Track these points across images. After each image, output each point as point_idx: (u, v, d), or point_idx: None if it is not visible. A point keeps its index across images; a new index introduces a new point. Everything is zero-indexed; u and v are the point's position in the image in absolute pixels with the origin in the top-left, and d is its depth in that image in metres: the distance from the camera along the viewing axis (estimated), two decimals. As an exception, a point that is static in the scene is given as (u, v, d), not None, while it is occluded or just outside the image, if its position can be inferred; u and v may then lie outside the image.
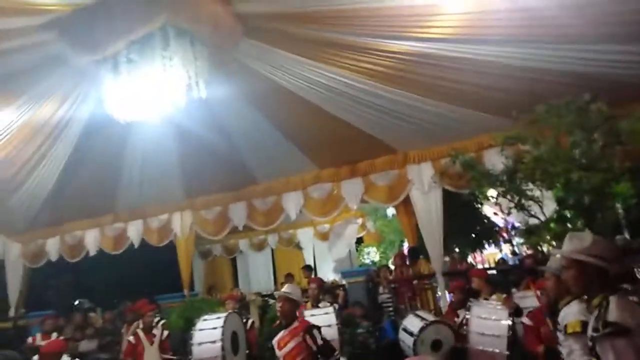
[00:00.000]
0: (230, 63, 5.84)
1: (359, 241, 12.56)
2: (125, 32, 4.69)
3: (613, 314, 2.09)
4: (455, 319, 5.26)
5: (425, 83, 5.78)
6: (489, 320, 4.65)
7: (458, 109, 6.20)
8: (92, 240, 9.04)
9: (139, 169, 7.80)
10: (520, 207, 5.43)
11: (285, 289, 4.37)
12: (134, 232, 8.82)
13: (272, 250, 13.19)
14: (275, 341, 4.15)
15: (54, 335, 7.32)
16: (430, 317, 5.22)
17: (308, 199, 8.08)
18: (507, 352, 4.50)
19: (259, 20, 5.27)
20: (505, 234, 9.50)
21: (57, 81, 5.68)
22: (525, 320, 4.39)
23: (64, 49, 5.12)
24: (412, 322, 5.12)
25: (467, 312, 4.94)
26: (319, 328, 4.13)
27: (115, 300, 12.71)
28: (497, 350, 4.54)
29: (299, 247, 12.83)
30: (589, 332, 2.24)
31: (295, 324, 4.14)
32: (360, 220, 12.04)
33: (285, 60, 5.77)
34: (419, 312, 5.57)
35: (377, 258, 11.74)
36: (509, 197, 5.44)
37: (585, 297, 2.46)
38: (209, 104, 5.98)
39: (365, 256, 11.91)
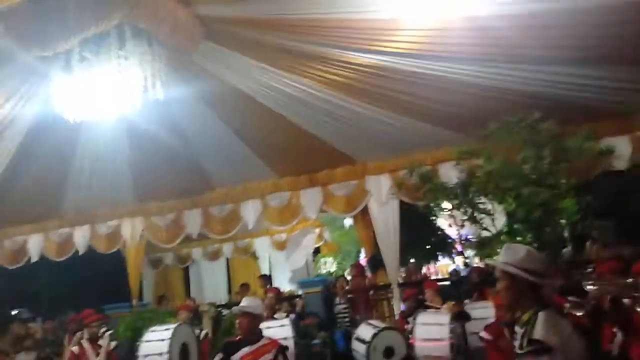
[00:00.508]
0: (189, 65, 5.71)
1: (316, 251, 12.53)
2: (78, 29, 4.46)
3: (538, 332, 2.06)
4: (406, 327, 5.38)
5: (386, 96, 5.88)
6: (431, 325, 4.74)
7: (416, 123, 6.34)
8: (35, 245, 8.53)
9: (88, 171, 7.43)
10: (473, 220, 5.58)
11: (244, 302, 4.07)
12: (81, 237, 8.39)
13: (227, 259, 12.92)
14: (236, 358, 3.82)
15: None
16: (382, 325, 5.27)
17: (267, 207, 7.98)
18: (450, 355, 4.56)
19: (220, 23, 5.19)
20: (458, 246, 9.74)
21: (3, 76, 5.34)
22: (483, 334, 4.47)
23: (10, 44, 4.83)
24: (364, 331, 5.14)
25: (413, 320, 5.06)
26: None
27: (58, 309, 12.07)
28: (440, 355, 4.61)
29: (254, 256, 12.64)
30: (515, 348, 2.19)
31: (264, 341, 3.90)
32: (317, 230, 12.02)
33: (247, 66, 5.70)
34: (371, 321, 5.61)
35: (333, 268, 11.75)
36: (462, 209, 5.58)
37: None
38: (166, 107, 5.79)
39: (322, 266, 11.90)
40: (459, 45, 4.99)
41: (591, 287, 3.10)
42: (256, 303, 4.13)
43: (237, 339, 4.06)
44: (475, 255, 6.38)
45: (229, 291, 11.89)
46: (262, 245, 12.20)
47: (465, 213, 5.48)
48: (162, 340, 4.97)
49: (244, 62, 5.62)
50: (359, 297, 7.50)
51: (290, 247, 11.17)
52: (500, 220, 5.63)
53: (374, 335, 4.81)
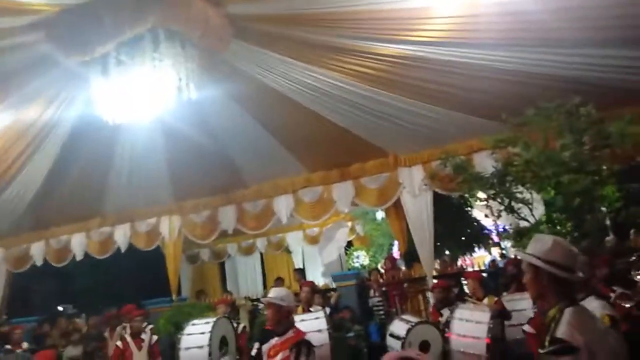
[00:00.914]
0: (220, 65, 5.80)
1: (348, 245, 12.56)
2: (114, 33, 4.61)
3: (562, 330, 1.94)
4: (440, 319, 5.33)
5: (417, 86, 5.81)
6: (470, 322, 4.66)
7: (449, 112, 6.24)
8: (78, 244, 8.86)
9: (127, 171, 7.69)
10: (510, 210, 5.47)
11: (271, 293, 4.00)
12: (121, 236, 8.68)
13: (261, 254, 13.11)
14: (265, 348, 3.82)
15: (25, 345, 7.13)
16: (415, 319, 5.23)
17: (299, 202, 8.04)
18: (486, 355, 4.48)
19: (249, 22, 5.24)
20: (495, 237, 9.56)
21: (44, 82, 5.57)
22: (526, 327, 4.39)
23: (51, 50, 5.03)
24: (398, 326, 5.12)
25: (450, 314, 4.96)
26: (310, 345, 3.76)
27: (101, 305, 12.55)
28: (476, 353, 4.53)
29: (288, 250, 12.78)
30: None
31: (290, 334, 3.78)
32: (349, 224, 12.04)
33: (276, 62, 5.74)
34: (404, 316, 5.58)
35: (366, 262, 11.75)
36: (499, 200, 5.47)
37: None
38: (199, 106, 5.91)
39: (355, 260, 11.92)
40: (491, 31, 4.89)
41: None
42: (282, 294, 3.97)
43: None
44: (513, 246, 6.24)
45: (264, 285, 12.07)
46: (294, 240, 12.33)
47: (502, 203, 5.37)
48: (203, 333, 5.10)
49: (273, 58, 5.66)
50: (393, 290, 7.48)
51: (323, 241, 11.24)
52: (539, 210, 5.51)
53: (409, 331, 4.78)
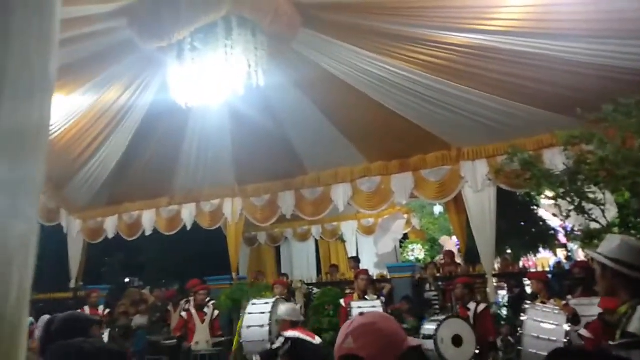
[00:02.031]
0: (287, 52, 5.92)
1: (404, 238, 12.45)
2: (190, 21, 4.83)
3: (634, 325, 1.97)
4: (468, 314, 5.37)
5: (485, 77, 5.64)
6: (545, 323, 4.50)
7: (518, 105, 6.01)
8: (148, 220, 9.41)
9: (195, 154, 8.07)
10: (580, 210, 5.20)
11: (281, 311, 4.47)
12: (187, 214, 9.11)
13: (316, 241, 13.30)
14: None
15: (101, 308, 7.78)
16: (442, 317, 5.18)
17: (357, 191, 8.07)
18: None
19: (318, 10, 5.30)
20: (562, 238, 9.12)
21: (124, 67, 5.95)
22: (584, 332, 4.21)
23: (132, 36, 5.35)
24: (427, 327, 5.10)
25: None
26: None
27: (164, 279, 13.32)
28: None
29: (341, 239, 12.86)
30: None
31: None
32: (405, 216, 11.91)
33: (342, 51, 5.78)
34: (432, 318, 5.55)
35: (421, 255, 11.61)
36: (569, 199, 5.21)
37: None
38: (264, 92, 6.06)
39: (410, 253, 11.81)
40: (569, 22, 4.65)
41: None
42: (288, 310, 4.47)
43: None
44: (582, 248, 5.95)
45: (319, 271, 12.24)
46: (349, 229, 12.37)
47: (572, 203, 5.11)
48: (263, 313, 5.30)
49: (339, 47, 5.70)
50: (450, 285, 7.34)
51: (379, 232, 11.21)
52: (612, 212, 5.20)
53: (437, 327, 4.72)
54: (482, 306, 5.51)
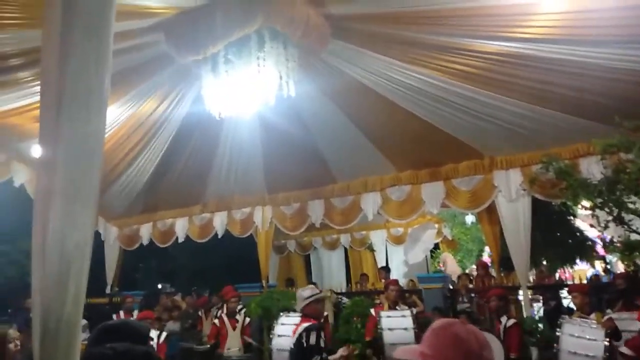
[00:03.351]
0: (318, 63, 5.99)
1: (435, 248, 12.29)
2: (224, 34, 4.96)
3: None
4: (499, 327, 5.33)
5: (518, 85, 5.56)
6: (582, 339, 4.36)
7: (553, 113, 5.89)
8: (181, 228, 9.64)
9: (227, 163, 8.24)
10: (619, 221, 5.03)
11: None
12: (219, 222, 9.29)
13: (345, 250, 13.28)
14: None
15: (135, 313, 7.98)
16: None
17: (386, 200, 8.04)
18: None
19: (348, 21, 5.35)
20: (600, 250, 8.81)
21: (161, 79, 6.15)
22: (624, 349, 4.07)
23: (168, 50, 5.53)
24: None
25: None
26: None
27: (195, 286, 13.55)
28: None
29: (370, 248, 12.80)
30: None
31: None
32: (436, 226, 11.76)
33: (372, 61, 5.81)
34: None
35: (453, 266, 11.41)
36: (607, 209, 5.06)
37: None
38: (295, 102, 6.13)
39: (441, 263, 11.63)
40: (606, 27, 4.55)
41: None
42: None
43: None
44: (621, 260, 5.75)
45: (348, 280, 12.22)
46: (378, 238, 12.31)
47: (610, 213, 4.95)
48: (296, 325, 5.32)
49: (369, 57, 5.73)
50: (483, 297, 7.20)
51: (410, 242, 11.10)
52: (653, 223, 5.01)
53: None
54: (511, 321, 5.40)
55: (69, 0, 2.12)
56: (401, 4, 4.77)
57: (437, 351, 1.16)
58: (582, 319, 4.76)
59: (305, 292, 4.24)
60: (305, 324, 3.96)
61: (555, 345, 4.55)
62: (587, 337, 4.37)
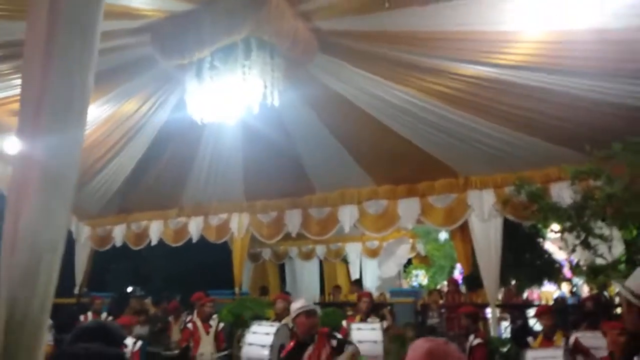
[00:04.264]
0: (302, 75, 6.05)
1: (407, 263, 12.42)
2: (212, 40, 4.98)
3: None
4: (466, 345, 5.39)
5: (496, 109, 5.74)
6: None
7: (527, 138, 6.09)
8: (155, 231, 9.50)
9: (206, 168, 8.19)
10: (586, 245, 5.23)
11: (299, 303, 4.13)
12: (195, 227, 9.20)
13: (320, 261, 13.31)
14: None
15: (103, 315, 7.82)
16: None
17: (363, 213, 8.12)
18: None
19: (335, 37, 5.44)
20: (567, 272, 9.07)
21: (144, 81, 6.11)
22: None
23: (153, 52, 5.51)
24: None
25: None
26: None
27: (166, 290, 13.35)
28: None
29: (345, 260, 12.87)
30: None
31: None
32: (410, 241, 11.90)
33: (356, 77, 5.91)
34: None
35: (425, 282, 11.56)
36: (575, 233, 5.24)
37: None
38: (278, 112, 6.17)
39: (413, 278, 11.76)
40: (582, 59, 4.74)
41: None
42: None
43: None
44: (586, 282, 5.94)
45: (322, 291, 12.22)
46: (353, 251, 12.39)
47: (578, 237, 5.15)
48: (268, 334, 5.31)
49: (354, 72, 5.82)
50: (453, 313, 7.32)
51: (384, 255, 11.20)
52: (618, 248, 5.22)
53: None
54: (477, 340, 5.45)
55: (56, -6, 2.10)
56: (388, 24, 4.88)
57: None
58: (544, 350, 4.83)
59: (296, 304, 4.13)
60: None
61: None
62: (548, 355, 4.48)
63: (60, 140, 2.04)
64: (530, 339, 5.39)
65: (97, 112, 6.56)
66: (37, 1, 2.15)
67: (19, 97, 2.19)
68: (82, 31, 2.17)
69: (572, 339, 4.79)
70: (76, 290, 9.99)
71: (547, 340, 5.07)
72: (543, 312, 5.33)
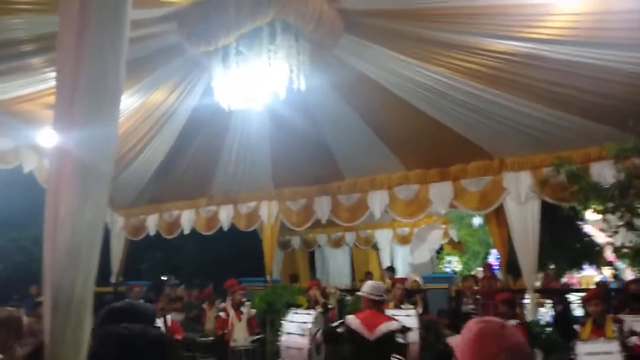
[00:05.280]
0: (329, 57, 5.95)
1: (440, 249, 12.23)
2: (236, 26, 4.93)
3: None
4: None
5: (532, 86, 5.49)
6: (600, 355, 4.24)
7: (565, 116, 5.81)
8: (187, 220, 9.65)
9: (234, 156, 8.22)
10: (630, 227, 4.97)
11: (365, 287, 4.27)
12: (225, 215, 9.28)
13: (350, 248, 13.27)
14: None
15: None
16: None
17: (394, 199, 7.98)
18: None
19: (361, 16, 5.31)
20: (609, 255, 8.70)
21: (172, 69, 6.14)
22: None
23: (180, 40, 5.52)
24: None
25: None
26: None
27: (199, 279, 13.62)
28: None
29: (375, 247, 12.78)
30: None
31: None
32: (443, 227, 11.70)
33: (384, 57, 5.76)
34: None
35: (458, 268, 11.35)
36: (618, 214, 4.99)
37: None
38: (304, 96, 6.09)
39: (446, 264, 11.57)
40: (622, 30, 4.46)
41: None
42: (375, 288, 4.24)
43: None
44: (630, 265, 5.67)
45: (353, 278, 12.19)
46: (383, 237, 12.29)
47: (621, 218, 4.90)
48: (305, 322, 5.31)
49: (382, 53, 5.68)
50: (489, 299, 7.14)
51: (415, 242, 11.05)
52: (665, 229, 4.93)
53: None
54: (513, 322, 5.29)
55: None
56: (415, 1, 4.71)
57: (462, 343, 1.26)
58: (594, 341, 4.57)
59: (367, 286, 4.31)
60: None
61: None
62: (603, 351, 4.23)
63: (95, 131, 2.10)
64: (577, 327, 5.13)
65: (128, 102, 6.64)
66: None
67: (53, 90, 2.24)
68: (113, 19, 2.20)
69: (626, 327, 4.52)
70: (113, 279, 10.27)
71: (598, 328, 4.75)
72: (591, 297, 4.94)
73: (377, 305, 4.17)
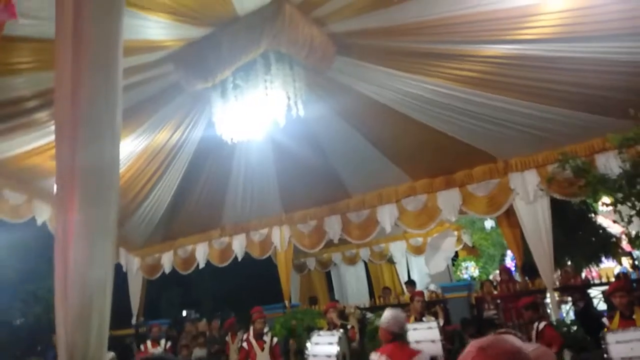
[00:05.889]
0: (324, 81, 6.07)
1: (455, 255, 12.14)
2: (231, 61, 5.08)
3: None
4: (532, 332, 5.24)
5: (525, 86, 5.55)
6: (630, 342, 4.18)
7: (563, 112, 5.85)
8: (201, 253, 9.70)
9: (242, 185, 8.32)
10: (642, 215, 4.94)
11: (384, 319, 3.91)
12: (238, 245, 9.33)
13: (366, 263, 13.22)
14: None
15: (162, 342, 7.99)
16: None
17: (403, 211, 8.00)
18: None
19: (351, 38, 5.43)
20: (625, 246, 8.60)
21: (173, 108, 6.29)
22: None
23: (179, 80, 5.67)
24: None
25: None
26: None
27: (219, 311, 13.57)
28: None
29: (391, 261, 12.71)
30: None
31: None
32: (455, 233, 11.65)
33: (377, 74, 5.87)
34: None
35: (476, 273, 11.25)
36: (629, 203, 4.97)
37: None
38: (305, 121, 6.21)
39: (464, 271, 11.47)
40: (608, 22, 4.53)
41: None
42: (388, 318, 3.92)
43: None
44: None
45: (371, 294, 12.10)
46: (398, 250, 12.23)
47: (633, 207, 4.88)
48: (331, 344, 5.25)
49: (376, 71, 5.79)
50: (509, 302, 7.08)
51: (430, 251, 10.99)
52: (679, 214, 4.90)
53: None
54: (542, 324, 5.29)
55: (78, 40, 2.19)
56: (401, 17, 4.82)
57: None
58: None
59: (388, 316, 3.98)
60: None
61: (605, 355, 4.34)
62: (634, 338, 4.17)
63: (97, 177, 2.10)
64: (604, 320, 5.07)
65: (133, 145, 6.78)
66: (62, 50, 2.24)
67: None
68: (105, 67, 2.25)
69: None
70: (134, 321, 10.27)
71: (626, 319, 4.68)
72: (616, 290, 4.88)
73: (399, 338, 3.86)
